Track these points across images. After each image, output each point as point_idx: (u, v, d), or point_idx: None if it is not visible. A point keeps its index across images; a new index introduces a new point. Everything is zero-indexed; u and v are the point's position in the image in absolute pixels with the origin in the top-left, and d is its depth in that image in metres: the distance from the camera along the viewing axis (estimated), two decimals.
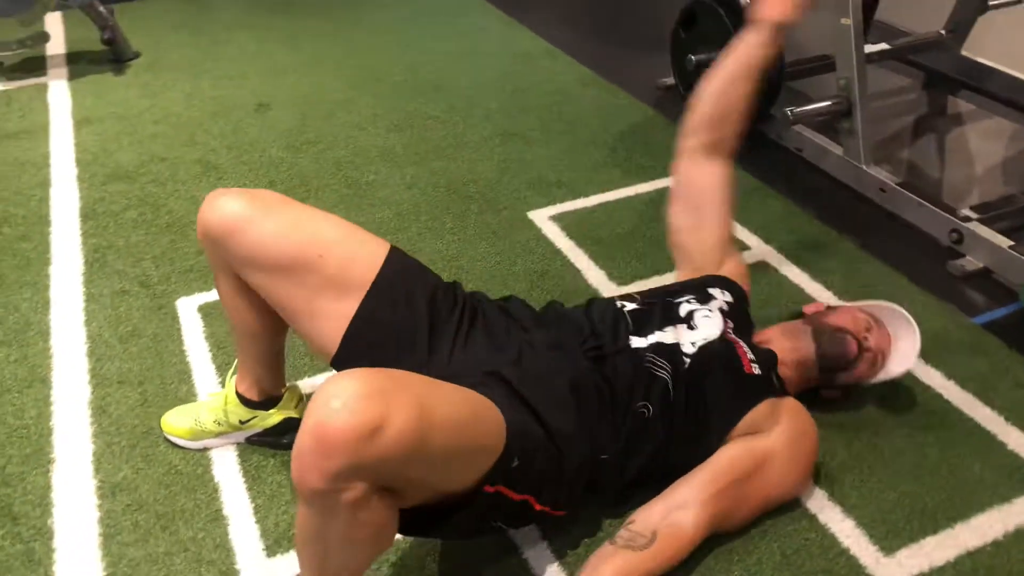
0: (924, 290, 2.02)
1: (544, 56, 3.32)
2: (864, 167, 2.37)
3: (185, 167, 2.59)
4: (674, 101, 2.87)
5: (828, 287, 2.04)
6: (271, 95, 3.02)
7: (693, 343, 1.45)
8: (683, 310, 1.51)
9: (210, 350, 1.87)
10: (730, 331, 1.50)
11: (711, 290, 1.57)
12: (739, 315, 1.56)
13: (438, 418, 1.04)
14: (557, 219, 2.31)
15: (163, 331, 1.93)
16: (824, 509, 1.50)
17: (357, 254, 1.36)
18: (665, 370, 1.41)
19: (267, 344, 1.55)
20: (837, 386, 1.64)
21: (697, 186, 1.69)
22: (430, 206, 2.38)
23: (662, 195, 2.39)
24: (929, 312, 1.93)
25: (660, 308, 1.51)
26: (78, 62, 3.31)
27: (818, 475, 1.55)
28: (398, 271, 1.37)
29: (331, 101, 2.98)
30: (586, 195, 2.42)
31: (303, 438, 0.97)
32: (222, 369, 1.81)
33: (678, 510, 1.36)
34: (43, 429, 1.69)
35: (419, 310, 1.37)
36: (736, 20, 2.49)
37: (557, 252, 2.18)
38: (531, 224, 2.29)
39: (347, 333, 1.33)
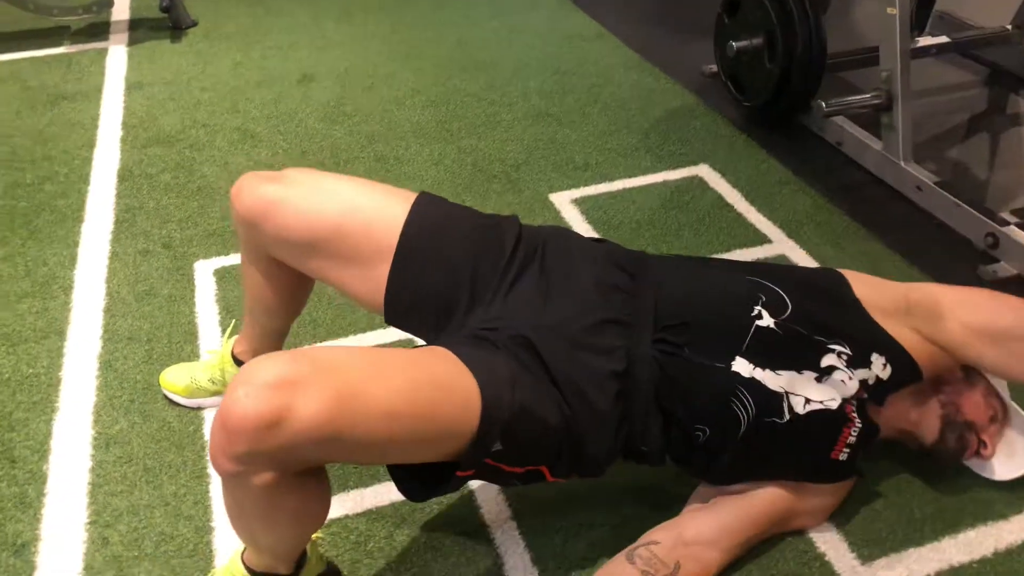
0: None
1: (594, 38, 3.28)
2: (902, 164, 2.27)
3: (224, 134, 2.65)
4: (716, 88, 2.80)
5: None
6: (316, 67, 3.06)
7: (808, 402, 1.28)
8: (826, 361, 1.31)
9: (219, 313, 1.91)
10: (853, 406, 1.32)
11: (875, 355, 1.34)
12: (882, 392, 1.36)
13: (366, 408, 0.99)
14: (578, 202, 2.29)
15: (178, 292, 1.98)
16: None
17: (378, 217, 1.32)
18: (746, 412, 1.27)
19: (279, 322, 1.58)
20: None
21: None
22: (453, 184, 2.38)
23: (689, 183, 2.37)
24: None
25: (800, 344, 1.31)
26: (139, 28, 3.40)
27: None
28: (426, 225, 1.32)
29: (373, 75, 3.00)
30: (611, 179, 2.38)
31: (215, 420, 0.96)
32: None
33: (705, 546, 1.31)
34: (52, 379, 1.76)
35: (456, 264, 1.31)
36: (777, 7, 2.41)
37: None
38: (551, 206, 2.27)
39: (386, 299, 1.32)
